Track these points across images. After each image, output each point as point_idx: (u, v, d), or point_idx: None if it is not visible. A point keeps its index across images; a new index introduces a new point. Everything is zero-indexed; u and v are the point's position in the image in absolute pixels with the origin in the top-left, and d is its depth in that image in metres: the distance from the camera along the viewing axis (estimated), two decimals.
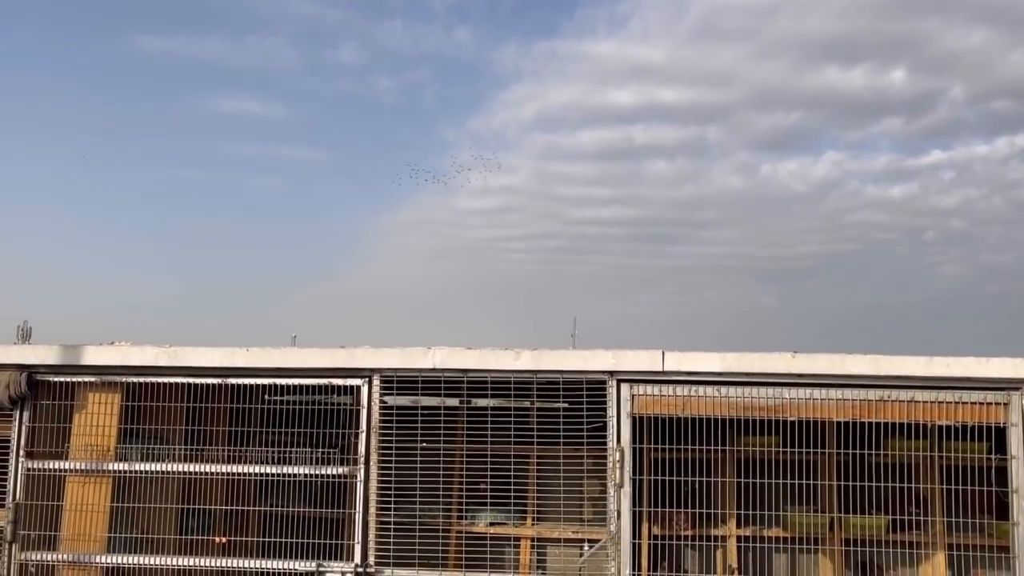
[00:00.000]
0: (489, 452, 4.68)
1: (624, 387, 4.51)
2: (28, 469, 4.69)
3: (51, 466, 4.72)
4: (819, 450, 4.49)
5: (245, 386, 4.77)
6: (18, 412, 4.70)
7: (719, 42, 24.15)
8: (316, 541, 4.66)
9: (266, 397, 5.00)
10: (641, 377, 4.51)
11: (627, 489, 4.46)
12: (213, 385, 4.76)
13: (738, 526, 4.90)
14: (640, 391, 4.50)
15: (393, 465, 4.63)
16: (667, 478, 4.57)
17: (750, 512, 4.71)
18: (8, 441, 4.71)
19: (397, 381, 4.70)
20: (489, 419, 4.68)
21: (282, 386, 4.78)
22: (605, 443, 4.56)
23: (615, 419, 4.53)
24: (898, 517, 4.66)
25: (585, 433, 4.56)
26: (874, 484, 4.69)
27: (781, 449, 4.53)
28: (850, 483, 4.70)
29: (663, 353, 4.47)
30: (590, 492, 4.99)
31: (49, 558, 4.67)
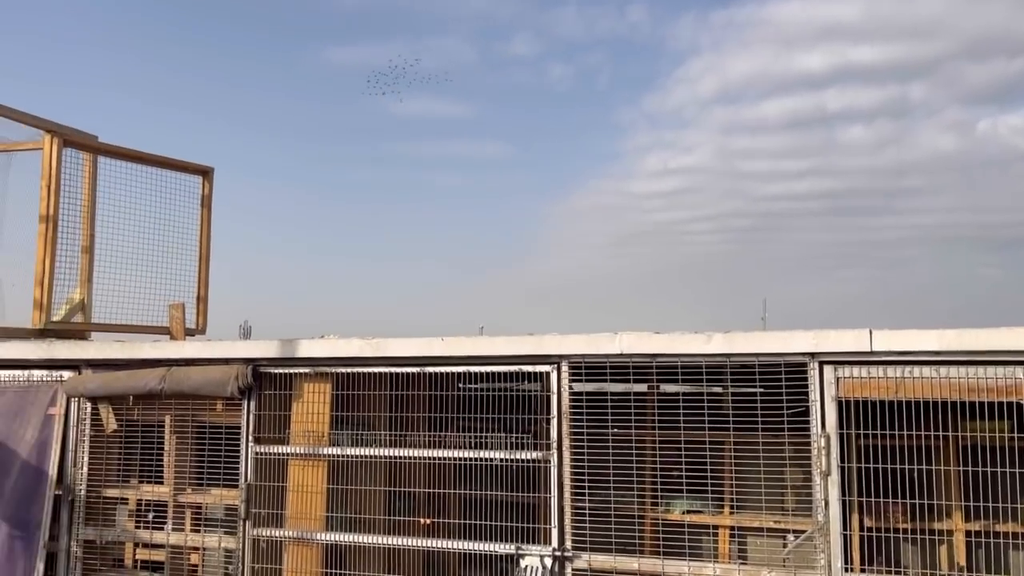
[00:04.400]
0: (683, 438, 4.57)
1: (827, 369, 4.24)
2: (256, 453, 5.16)
3: (275, 450, 5.16)
4: None
5: (441, 374, 4.97)
6: (246, 401, 5.18)
7: None
8: (514, 525, 4.78)
9: (460, 384, 5.17)
10: (846, 358, 4.21)
11: (835, 477, 4.19)
12: (412, 374, 5.01)
13: (965, 520, 4.46)
14: (845, 373, 4.21)
15: (585, 451, 4.65)
16: (879, 466, 4.24)
17: (980, 504, 4.26)
18: (239, 428, 5.21)
19: (585, 367, 4.71)
20: (681, 405, 4.57)
21: (475, 373, 4.93)
22: (806, 429, 4.31)
23: (818, 403, 4.27)
24: None
25: (785, 418, 4.34)
26: None
27: (1016, 435, 4.06)
28: None
29: (871, 332, 4.15)
30: (791, 480, 4.74)
31: (276, 534, 5.11)
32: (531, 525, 4.81)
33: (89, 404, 5.46)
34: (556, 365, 4.74)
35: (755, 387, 4.67)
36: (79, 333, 7.31)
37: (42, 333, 6.97)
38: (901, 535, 4.48)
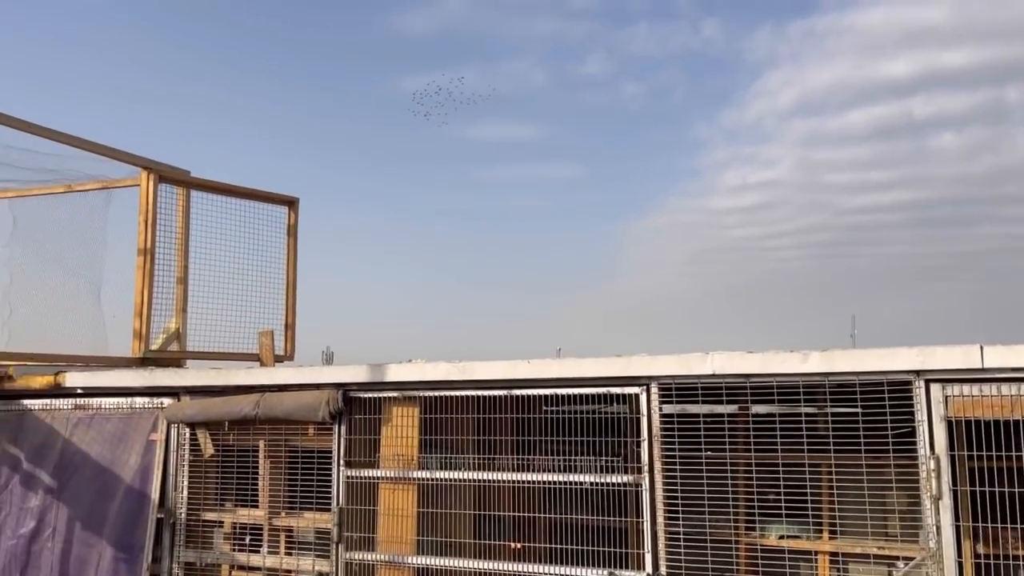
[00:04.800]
0: (780, 461, 4.42)
1: (935, 388, 4.04)
2: (347, 477, 5.23)
3: (366, 474, 5.22)
4: None
5: (527, 397, 4.96)
6: (336, 426, 5.27)
7: None
8: (605, 549, 4.70)
9: (544, 407, 5.14)
10: (955, 376, 4.01)
11: (947, 501, 3.98)
12: (499, 397, 5.01)
13: None
14: (955, 392, 4.01)
15: (678, 474, 4.55)
16: (992, 490, 4.01)
17: None
18: (330, 452, 5.30)
19: (675, 388, 4.62)
20: (778, 426, 4.43)
21: (559, 396, 4.90)
22: (911, 450, 4.11)
23: (925, 423, 4.07)
24: None
25: (890, 439, 4.15)
26: None
27: None
28: None
29: (982, 348, 3.94)
30: (894, 504, 4.52)
31: (369, 558, 5.16)
32: (622, 550, 4.72)
33: (188, 430, 5.64)
34: (645, 387, 4.66)
35: (853, 407, 4.51)
36: (175, 361, 7.59)
37: (142, 362, 7.26)
38: (1021, 563, 4.22)
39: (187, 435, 5.64)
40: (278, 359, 8.02)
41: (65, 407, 5.88)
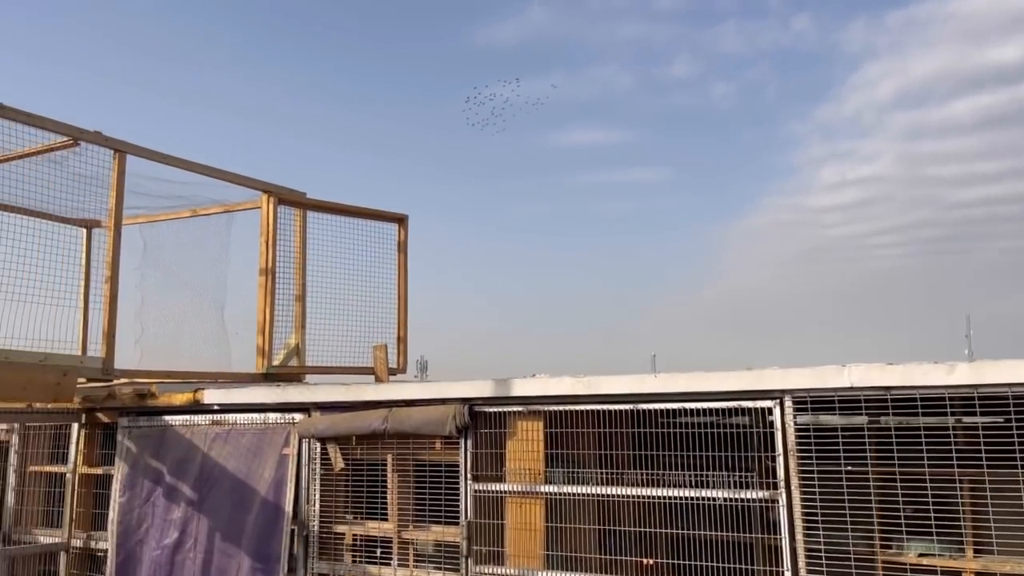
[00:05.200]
0: (928, 476, 4.27)
1: None
2: (475, 490, 5.32)
3: (493, 488, 5.30)
4: None
5: (652, 411, 4.93)
6: (463, 440, 5.36)
7: None
8: (739, 566, 4.62)
9: (663, 420, 5.10)
10: None
11: None
12: (623, 411, 5.00)
13: None
14: None
15: (817, 489, 4.44)
16: None
17: None
18: (457, 466, 5.39)
19: (811, 401, 4.52)
20: (923, 440, 4.27)
21: (687, 409, 4.85)
22: None
23: None
24: None
25: None
26: None
27: None
28: None
29: None
30: None
31: (498, 572, 5.22)
32: (752, 567, 4.63)
33: (318, 444, 5.84)
34: (778, 400, 4.57)
35: (1005, 420, 4.31)
36: (296, 375, 7.89)
37: (265, 377, 7.57)
38: None
39: (318, 449, 5.85)
40: (391, 372, 8.23)
41: (203, 423, 6.18)
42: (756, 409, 4.67)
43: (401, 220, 8.49)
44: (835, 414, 4.51)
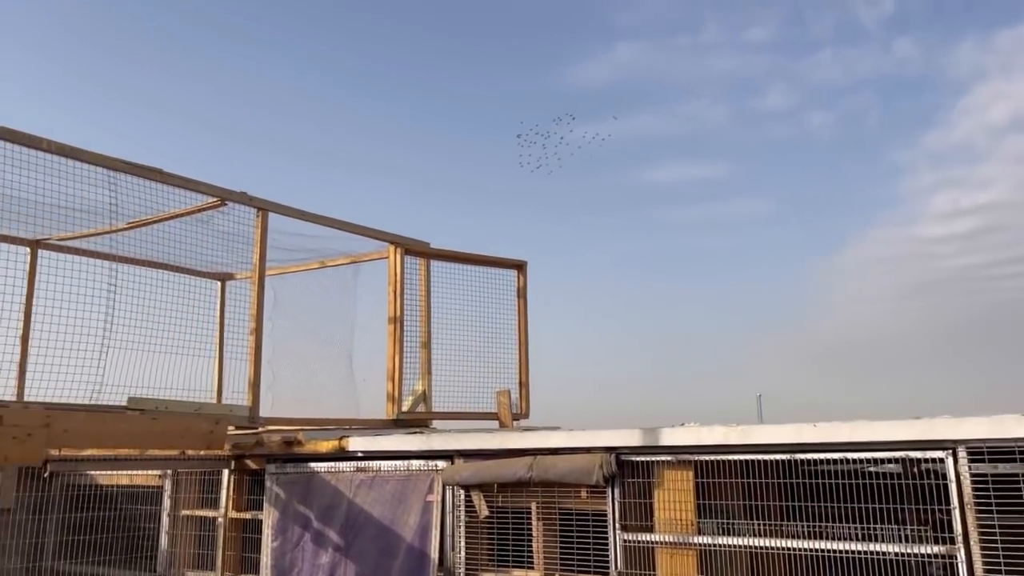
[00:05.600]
0: None
1: None
2: (624, 540, 5.29)
3: (642, 538, 5.26)
4: None
5: (806, 460, 4.83)
6: (610, 489, 5.36)
7: None
8: None
9: (808, 468, 4.98)
10: None
11: None
12: (777, 461, 4.92)
13: None
14: None
15: (999, 544, 4.25)
16: None
17: None
18: (603, 515, 5.39)
19: (987, 452, 4.35)
20: None
21: (844, 459, 4.74)
22: None
23: None
24: None
25: None
26: None
27: None
28: None
29: None
30: None
31: None
32: None
33: (462, 491, 5.93)
34: (951, 451, 4.43)
35: None
36: (423, 421, 8.05)
37: (395, 423, 7.76)
38: None
39: (462, 496, 5.93)
40: (515, 417, 8.31)
41: (348, 469, 6.36)
42: (925, 459, 4.53)
43: (520, 266, 8.63)
44: (1017, 462, 4.33)
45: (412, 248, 8.10)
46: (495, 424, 8.20)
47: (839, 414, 5.01)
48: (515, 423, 8.20)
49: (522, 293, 8.57)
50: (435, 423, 8.11)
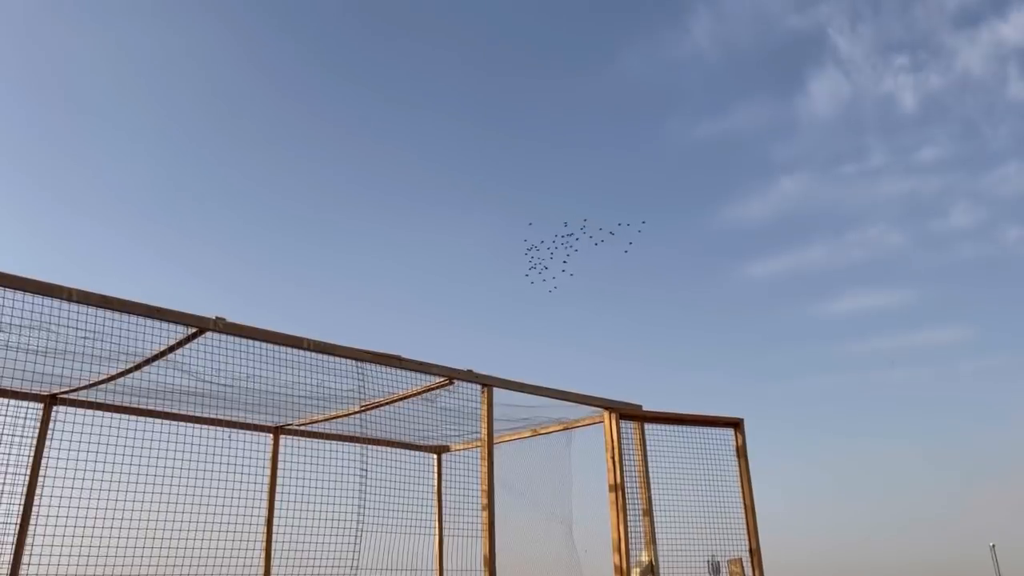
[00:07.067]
0: None
1: None
2: None
3: None
4: None
5: None
6: None
7: None
8: None
9: None
10: None
11: None
12: None
13: None
14: None
15: None
16: None
17: None
18: None
19: None
20: None
21: None
22: None
23: None
24: None
25: None
26: None
27: None
28: None
29: None
30: None
31: None
32: None
33: None
34: None
35: None
36: None
37: None
38: None
39: None
40: None
41: None
42: None
43: (737, 424, 8.36)
44: None
45: (627, 412, 8.08)
46: None
47: None
48: None
49: (742, 452, 8.25)
50: None
